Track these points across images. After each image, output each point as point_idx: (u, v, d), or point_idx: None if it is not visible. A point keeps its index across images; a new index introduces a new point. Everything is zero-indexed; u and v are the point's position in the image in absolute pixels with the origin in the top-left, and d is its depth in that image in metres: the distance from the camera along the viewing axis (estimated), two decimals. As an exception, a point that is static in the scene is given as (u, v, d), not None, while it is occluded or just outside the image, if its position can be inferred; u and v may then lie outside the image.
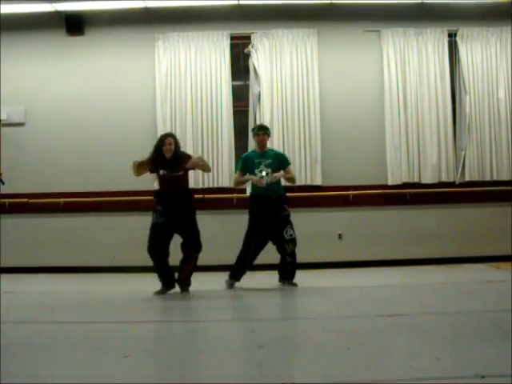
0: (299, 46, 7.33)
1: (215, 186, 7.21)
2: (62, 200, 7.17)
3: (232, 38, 7.37)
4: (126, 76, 7.37)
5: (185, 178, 5.19)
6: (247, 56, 7.39)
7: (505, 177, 7.29)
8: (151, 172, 5.28)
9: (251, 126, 7.26)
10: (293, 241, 5.31)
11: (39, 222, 7.22)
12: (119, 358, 2.74)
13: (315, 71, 7.32)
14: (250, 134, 6.16)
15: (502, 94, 7.33)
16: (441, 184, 7.28)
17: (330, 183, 7.17)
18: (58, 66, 7.37)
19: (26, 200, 7.16)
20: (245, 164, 5.49)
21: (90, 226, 7.22)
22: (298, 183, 7.21)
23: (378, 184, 7.21)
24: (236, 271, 5.45)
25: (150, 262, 4.93)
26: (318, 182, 7.26)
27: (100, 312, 4.33)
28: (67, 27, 7.35)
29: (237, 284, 5.42)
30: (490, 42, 7.39)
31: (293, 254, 5.34)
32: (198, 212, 5.15)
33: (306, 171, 7.24)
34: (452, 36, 7.41)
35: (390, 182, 7.26)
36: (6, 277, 6.29)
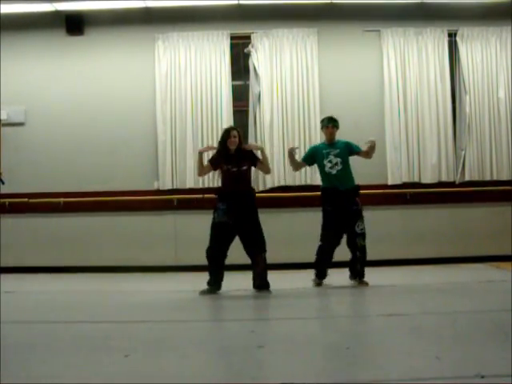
0: (299, 46, 7.33)
1: (215, 186, 7.20)
2: (62, 200, 7.17)
3: (232, 38, 7.38)
4: (125, 76, 7.37)
5: (249, 173, 5.14)
6: (247, 56, 7.39)
7: (505, 177, 7.29)
8: (215, 169, 5.21)
9: (251, 125, 7.28)
10: (363, 235, 5.32)
11: (39, 222, 7.22)
12: (119, 358, 2.74)
13: (315, 71, 7.32)
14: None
15: (502, 94, 7.33)
16: (441, 184, 7.29)
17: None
18: (57, 65, 7.37)
19: (25, 200, 7.16)
20: (312, 154, 5.52)
21: (90, 226, 7.22)
22: (297, 183, 7.26)
23: (377, 184, 7.21)
24: (319, 269, 5.43)
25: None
26: (318, 181, 7.24)
27: (101, 312, 4.33)
28: (67, 27, 7.36)
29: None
30: (490, 41, 7.40)
31: (363, 249, 5.35)
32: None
33: (305, 171, 7.23)
34: (452, 36, 7.42)
35: (389, 182, 7.26)
36: (5, 277, 6.29)
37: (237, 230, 4.97)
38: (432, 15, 7.32)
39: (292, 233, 7.07)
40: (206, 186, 7.18)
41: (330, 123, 5.50)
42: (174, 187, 7.24)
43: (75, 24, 7.35)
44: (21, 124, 7.36)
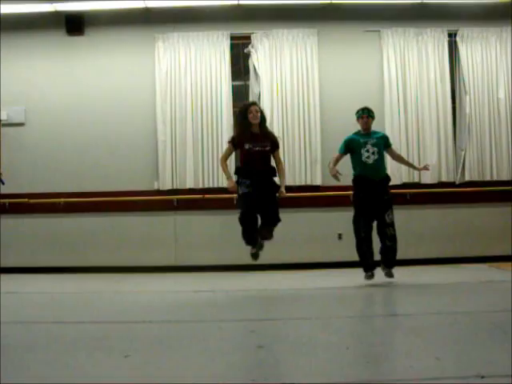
0: (299, 46, 7.33)
1: (215, 186, 7.21)
2: (62, 200, 7.17)
3: (232, 38, 7.38)
4: (125, 76, 7.37)
5: (270, 154, 5.06)
6: (247, 56, 7.40)
7: (505, 177, 7.30)
8: (235, 149, 5.12)
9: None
10: (393, 225, 5.38)
11: (39, 222, 7.22)
12: (119, 358, 2.74)
13: (315, 71, 7.32)
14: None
15: (502, 94, 7.33)
16: (441, 184, 7.29)
17: (330, 183, 7.15)
18: (58, 65, 7.37)
19: (25, 200, 7.16)
20: (348, 145, 5.52)
21: (90, 226, 7.22)
22: (297, 183, 7.25)
23: (377, 184, 7.20)
24: (364, 263, 5.44)
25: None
26: (318, 182, 7.26)
27: (101, 312, 4.33)
28: (67, 27, 7.35)
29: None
30: (490, 41, 7.40)
31: (393, 238, 5.40)
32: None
33: (305, 171, 7.24)
34: (452, 36, 7.41)
35: (390, 182, 7.24)
36: (5, 277, 6.29)
37: (257, 203, 4.91)
38: (432, 15, 7.32)
39: (292, 233, 7.06)
40: (206, 186, 7.18)
41: (364, 113, 5.55)
42: (174, 187, 7.24)
43: (75, 24, 7.34)
44: (21, 124, 7.36)
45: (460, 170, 7.31)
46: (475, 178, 7.29)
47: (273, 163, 5.13)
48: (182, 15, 7.30)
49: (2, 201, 7.09)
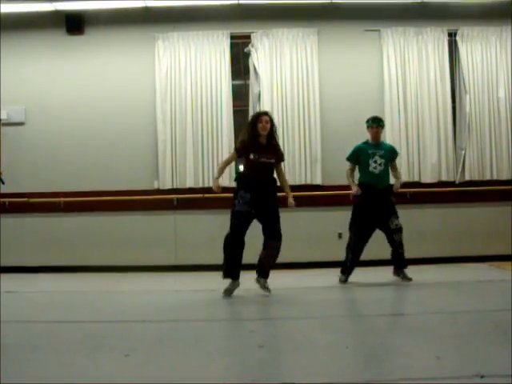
0: (299, 46, 7.32)
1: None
2: (62, 200, 7.17)
3: (232, 38, 7.37)
4: (125, 75, 7.36)
5: (274, 166, 4.98)
6: (247, 55, 7.39)
7: (505, 176, 7.29)
8: (239, 157, 5.00)
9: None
10: (399, 230, 5.50)
11: (39, 222, 7.21)
12: (119, 358, 2.74)
13: (315, 71, 7.31)
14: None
15: (502, 94, 7.33)
16: (441, 183, 7.29)
17: (330, 182, 7.16)
18: (57, 65, 7.36)
19: (25, 200, 7.16)
20: (356, 155, 5.60)
21: (90, 226, 7.21)
22: (297, 182, 7.25)
23: (378, 184, 7.20)
24: (349, 266, 5.51)
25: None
26: (318, 181, 7.26)
27: (101, 312, 4.33)
28: (67, 26, 7.34)
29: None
30: (490, 41, 7.39)
31: (401, 244, 5.53)
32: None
33: (305, 170, 7.24)
34: (452, 35, 7.41)
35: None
36: (6, 277, 6.29)
37: (257, 216, 4.87)
38: (432, 15, 7.32)
39: (292, 232, 7.05)
40: (206, 185, 7.17)
41: (374, 123, 5.59)
42: (174, 187, 7.23)
43: (75, 23, 7.33)
44: (21, 124, 7.35)
45: (460, 170, 7.30)
46: (475, 177, 7.29)
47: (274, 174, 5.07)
48: (181, 14, 7.29)
49: (2, 200, 7.09)
